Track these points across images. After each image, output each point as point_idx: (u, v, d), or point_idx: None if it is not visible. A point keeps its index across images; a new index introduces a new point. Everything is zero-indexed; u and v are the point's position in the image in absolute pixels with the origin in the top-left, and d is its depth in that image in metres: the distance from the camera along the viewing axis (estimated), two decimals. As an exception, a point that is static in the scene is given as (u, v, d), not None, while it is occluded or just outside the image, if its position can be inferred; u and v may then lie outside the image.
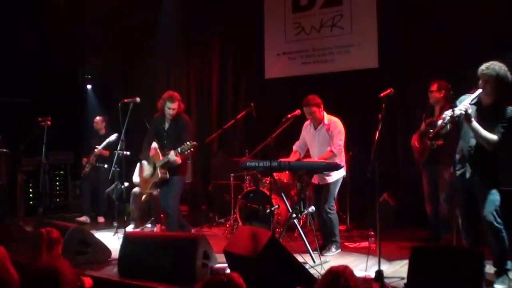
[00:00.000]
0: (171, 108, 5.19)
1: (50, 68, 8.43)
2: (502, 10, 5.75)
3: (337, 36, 7.20)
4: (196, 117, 8.54)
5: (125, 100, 5.24)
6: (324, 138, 4.90)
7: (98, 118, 7.54)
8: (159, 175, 5.12)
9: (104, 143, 6.99)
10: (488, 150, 3.55)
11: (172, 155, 5.00)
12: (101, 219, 7.30)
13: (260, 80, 7.84)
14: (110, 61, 8.87)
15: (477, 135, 3.53)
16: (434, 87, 5.20)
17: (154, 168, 5.23)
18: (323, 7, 7.33)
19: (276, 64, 7.75)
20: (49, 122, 6.49)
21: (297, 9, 7.58)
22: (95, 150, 7.08)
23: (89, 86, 8.94)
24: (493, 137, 3.51)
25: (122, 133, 5.13)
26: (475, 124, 3.50)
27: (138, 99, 5.17)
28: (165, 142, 5.30)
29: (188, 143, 4.89)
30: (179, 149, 4.94)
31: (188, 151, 4.95)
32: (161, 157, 5.13)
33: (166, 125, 5.33)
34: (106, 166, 7.06)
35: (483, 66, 3.60)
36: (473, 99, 3.59)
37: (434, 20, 6.31)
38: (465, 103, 3.52)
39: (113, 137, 6.91)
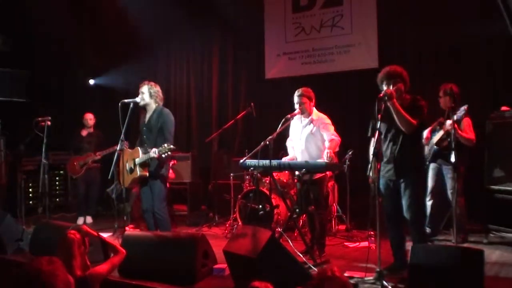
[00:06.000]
0: (139, 92, 4.95)
1: (51, 67, 8.44)
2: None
3: (337, 36, 7.21)
4: (196, 117, 8.56)
5: (125, 100, 5.22)
6: (308, 133, 4.80)
7: (90, 115, 7.38)
8: (138, 173, 4.79)
9: (108, 151, 6.82)
10: None
11: (142, 158, 4.71)
12: (89, 219, 7.28)
13: (260, 80, 7.85)
14: (110, 60, 8.86)
15: None
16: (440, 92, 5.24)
17: (134, 164, 4.88)
18: (323, 7, 7.35)
19: (276, 64, 7.76)
20: (49, 122, 6.47)
21: (297, 9, 7.59)
22: (95, 154, 7.05)
23: (91, 81, 8.94)
24: None
25: (122, 132, 5.09)
26: None
27: (138, 99, 5.15)
28: (144, 136, 4.96)
29: (165, 145, 4.51)
30: (156, 150, 4.58)
31: (165, 154, 4.53)
32: (140, 155, 4.80)
33: (146, 118, 4.99)
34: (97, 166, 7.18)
35: None
36: None
37: (434, 20, 6.32)
38: None
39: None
